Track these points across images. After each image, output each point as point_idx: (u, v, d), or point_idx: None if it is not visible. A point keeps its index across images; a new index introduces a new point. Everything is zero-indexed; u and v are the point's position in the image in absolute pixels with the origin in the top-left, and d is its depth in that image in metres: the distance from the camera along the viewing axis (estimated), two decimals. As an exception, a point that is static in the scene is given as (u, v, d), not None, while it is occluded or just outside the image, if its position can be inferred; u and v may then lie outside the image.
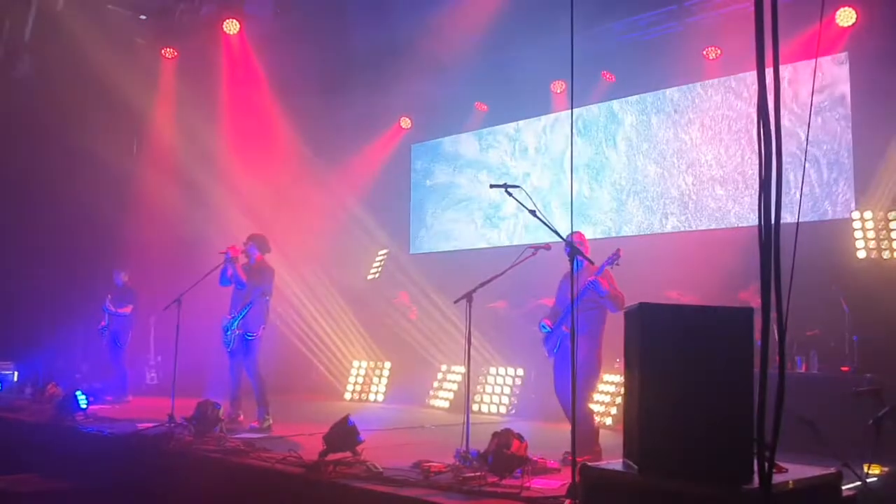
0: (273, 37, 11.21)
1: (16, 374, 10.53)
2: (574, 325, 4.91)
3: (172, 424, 7.02)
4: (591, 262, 6.09)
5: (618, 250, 6.19)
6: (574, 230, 6.18)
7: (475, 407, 9.84)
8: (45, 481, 6.87)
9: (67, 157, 10.85)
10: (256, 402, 7.95)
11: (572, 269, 5.00)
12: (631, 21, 10.31)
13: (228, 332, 8.01)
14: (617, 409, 8.61)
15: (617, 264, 6.17)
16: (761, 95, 2.82)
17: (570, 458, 4.65)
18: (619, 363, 7.49)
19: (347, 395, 11.56)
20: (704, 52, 9.84)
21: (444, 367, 10.81)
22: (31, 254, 10.62)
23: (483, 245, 12.45)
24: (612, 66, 10.67)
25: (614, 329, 6.05)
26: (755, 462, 3.09)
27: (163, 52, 11.54)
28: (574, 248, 5.19)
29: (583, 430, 6.16)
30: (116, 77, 10.49)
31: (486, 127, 12.69)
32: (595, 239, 9.40)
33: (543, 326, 6.52)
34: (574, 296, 4.97)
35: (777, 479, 3.29)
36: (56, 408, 8.14)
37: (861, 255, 8.21)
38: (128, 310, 10.29)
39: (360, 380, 11.65)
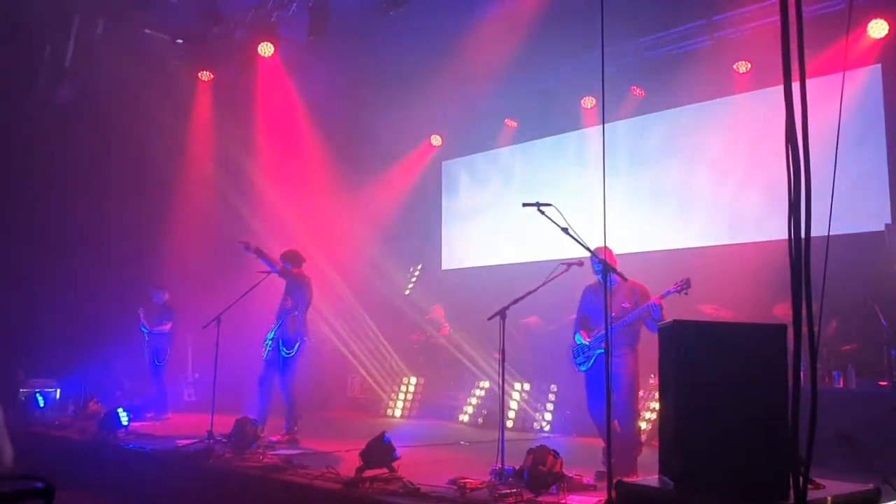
0: (306, 58, 11.40)
1: (58, 391, 10.72)
2: (608, 342, 4.90)
3: (212, 441, 7.15)
4: (624, 278, 6.03)
5: (688, 280, 5.90)
6: (601, 245, 6.07)
7: (509, 423, 9.85)
8: (91, 498, 7.01)
9: (107, 179, 11.13)
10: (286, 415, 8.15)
11: (605, 286, 4.99)
12: (660, 36, 10.33)
13: (268, 345, 8.19)
14: (648, 425, 8.47)
15: (685, 293, 5.90)
16: (789, 115, 2.85)
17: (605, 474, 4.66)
18: (654, 379, 7.45)
19: (383, 411, 11.62)
20: (735, 66, 9.84)
21: (480, 384, 10.82)
22: (71, 273, 10.85)
23: (514, 261, 12.48)
24: (643, 81, 10.70)
25: (649, 343, 6.03)
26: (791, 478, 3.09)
27: (199, 75, 11.78)
28: (606, 264, 5.18)
29: (633, 448, 6.05)
30: (154, 100, 10.74)
31: (516, 143, 12.77)
32: (629, 253, 9.37)
33: (579, 337, 6.28)
34: (608, 310, 4.83)
35: (813, 495, 3.29)
36: (98, 425, 8.29)
37: (898, 266, 8.09)
38: (167, 328, 10.44)
39: (396, 396, 11.71)
